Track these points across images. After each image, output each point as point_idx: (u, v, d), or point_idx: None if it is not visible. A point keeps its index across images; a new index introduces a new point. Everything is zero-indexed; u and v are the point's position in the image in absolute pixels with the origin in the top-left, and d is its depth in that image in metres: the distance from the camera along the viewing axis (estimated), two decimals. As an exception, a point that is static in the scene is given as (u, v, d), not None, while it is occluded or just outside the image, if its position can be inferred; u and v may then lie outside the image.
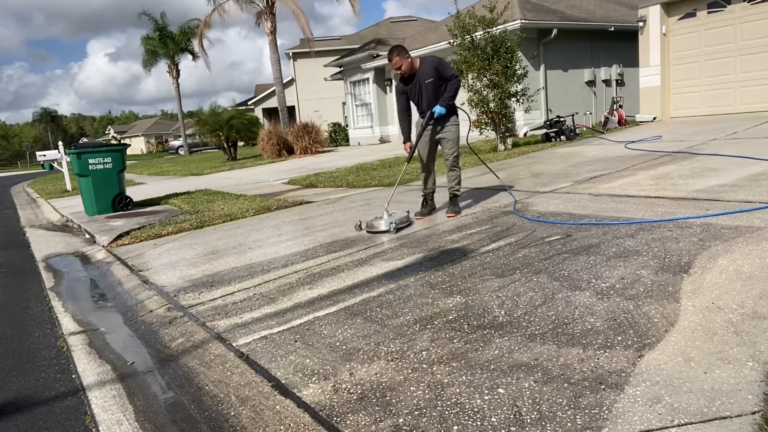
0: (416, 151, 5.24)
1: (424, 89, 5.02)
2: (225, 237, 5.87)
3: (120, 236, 6.61)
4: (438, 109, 4.96)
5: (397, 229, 4.82)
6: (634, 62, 12.82)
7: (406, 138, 5.25)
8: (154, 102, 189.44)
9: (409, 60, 4.98)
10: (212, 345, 3.04)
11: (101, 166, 8.81)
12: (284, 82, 22.17)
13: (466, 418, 1.95)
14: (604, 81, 15.76)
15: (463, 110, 5.62)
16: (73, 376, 3.00)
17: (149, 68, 37.97)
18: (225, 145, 23.59)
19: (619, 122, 12.49)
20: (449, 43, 11.43)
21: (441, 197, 5.78)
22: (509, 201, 5.50)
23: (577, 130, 11.78)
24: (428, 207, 5.45)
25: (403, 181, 8.22)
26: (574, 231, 4.10)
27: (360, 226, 5.07)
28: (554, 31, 14.05)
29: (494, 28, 10.60)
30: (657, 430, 1.75)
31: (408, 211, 5.23)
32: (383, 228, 4.84)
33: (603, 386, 2.02)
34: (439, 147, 5.32)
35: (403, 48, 5.03)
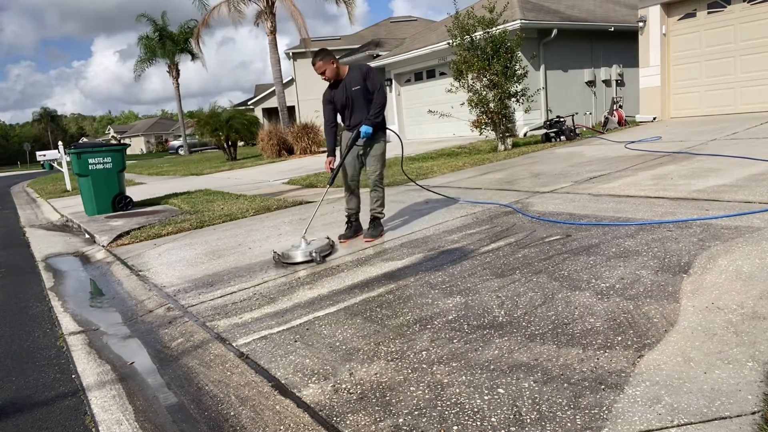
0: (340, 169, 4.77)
1: (351, 98, 4.59)
2: (225, 237, 5.87)
3: (120, 236, 6.61)
4: (364, 130, 4.50)
5: (322, 258, 4.34)
6: (634, 62, 12.82)
7: (330, 152, 4.75)
8: (158, 101, 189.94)
9: (335, 65, 4.56)
10: (212, 345, 3.04)
11: (101, 166, 8.81)
12: (284, 82, 22.16)
13: (466, 418, 1.96)
14: (604, 81, 15.75)
15: (392, 131, 5.05)
16: (73, 376, 3.00)
17: (141, 72, 38.04)
18: (225, 145, 23.59)
19: (619, 122, 12.49)
20: (449, 43, 11.43)
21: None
22: (509, 201, 5.49)
23: (577, 131, 11.78)
24: (352, 229, 4.94)
25: (403, 181, 8.22)
26: (574, 231, 4.10)
27: (276, 256, 4.49)
28: (554, 32, 14.05)
29: (494, 29, 10.60)
30: (657, 430, 1.75)
31: (328, 237, 4.71)
32: (300, 259, 4.33)
33: (603, 386, 2.02)
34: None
35: (327, 52, 4.62)
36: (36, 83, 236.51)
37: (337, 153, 4.77)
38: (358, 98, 4.58)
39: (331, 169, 4.71)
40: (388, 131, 4.84)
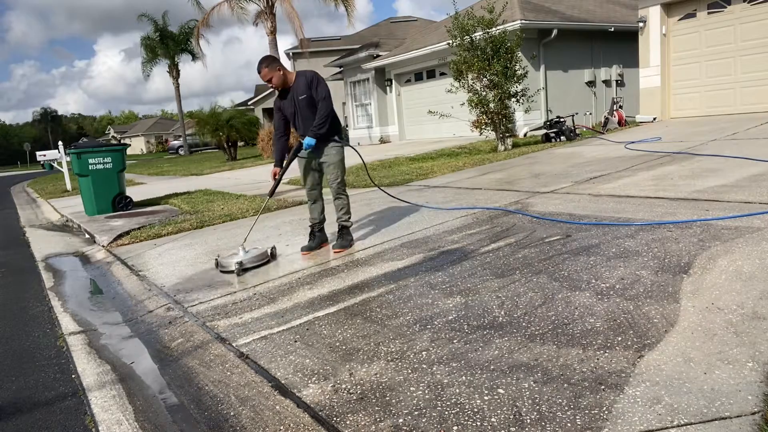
0: (281, 179, 4.59)
1: (299, 107, 4.42)
2: (225, 237, 5.87)
3: (120, 236, 6.61)
4: (307, 142, 4.31)
5: (243, 270, 4.24)
6: (634, 63, 12.82)
7: (277, 162, 4.57)
8: (160, 101, 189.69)
9: (281, 72, 4.35)
10: (212, 345, 3.04)
11: (101, 166, 8.81)
12: (284, 82, 22.14)
13: (466, 418, 1.96)
14: (604, 81, 15.75)
15: (351, 146, 4.79)
16: (73, 376, 3.00)
17: (149, 72, 38.26)
18: (225, 145, 23.62)
19: (619, 123, 12.48)
20: (448, 44, 11.44)
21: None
22: (509, 201, 5.50)
23: (577, 131, 11.78)
24: (317, 240, 4.74)
25: (403, 181, 8.22)
26: (574, 231, 4.10)
27: (217, 263, 4.48)
28: (554, 32, 14.05)
29: (494, 29, 10.61)
30: (657, 430, 1.75)
31: (273, 246, 4.57)
32: (233, 268, 4.28)
33: (603, 387, 2.02)
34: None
35: (273, 59, 4.42)
36: (39, 83, 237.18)
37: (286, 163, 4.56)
38: (304, 107, 4.40)
39: (276, 178, 4.54)
40: (339, 143, 4.55)
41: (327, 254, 4.56)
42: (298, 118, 4.47)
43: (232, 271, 4.29)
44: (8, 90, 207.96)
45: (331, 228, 4.86)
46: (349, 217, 4.68)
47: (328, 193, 4.59)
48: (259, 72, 4.35)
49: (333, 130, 4.48)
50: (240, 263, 4.28)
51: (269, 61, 4.37)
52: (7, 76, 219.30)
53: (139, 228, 6.97)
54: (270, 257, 4.54)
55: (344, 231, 4.68)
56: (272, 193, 4.63)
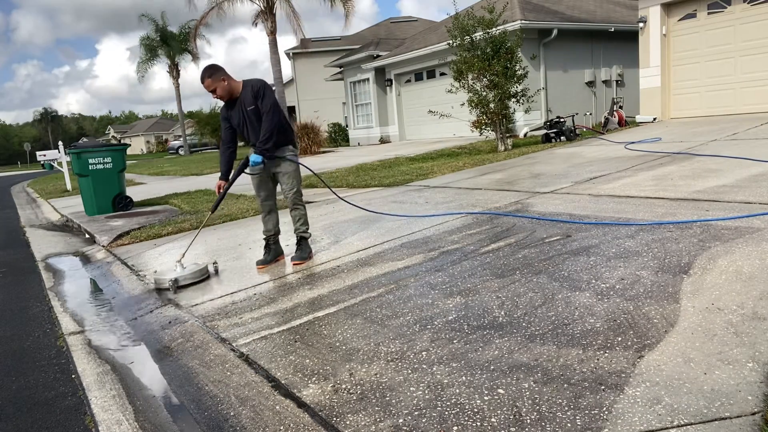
0: (229, 189, 4.38)
1: (246, 118, 4.18)
2: (225, 237, 5.87)
3: (120, 236, 6.61)
4: (253, 159, 4.10)
5: (179, 287, 4.07)
6: (634, 63, 12.83)
7: (222, 175, 4.36)
8: (163, 101, 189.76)
9: (225, 82, 4.10)
10: (212, 345, 3.04)
11: (101, 166, 8.81)
12: (284, 82, 22.17)
13: (466, 418, 1.96)
14: (604, 81, 15.76)
15: (292, 159, 4.36)
16: (73, 376, 3.01)
17: (144, 73, 38.48)
18: (225, 146, 23.60)
19: (619, 123, 12.48)
20: (449, 44, 11.44)
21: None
22: (508, 201, 5.50)
23: (577, 131, 11.78)
24: (272, 253, 4.53)
25: (403, 181, 8.22)
26: (574, 231, 4.10)
27: (156, 280, 4.31)
28: (554, 32, 14.06)
29: (494, 29, 10.62)
30: (657, 430, 1.75)
31: (216, 262, 4.41)
32: (167, 285, 4.12)
33: (603, 387, 2.02)
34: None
35: (216, 68, 4.13)
36: (43, 82, 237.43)
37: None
38: (252, 119, 4.17)
39: (221, 191, 4.35)
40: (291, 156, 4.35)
41: (283, 268, 4.46)
42: (246, 129, 4.25)
43: (166, 289, 4.13)
44: (12, 90, 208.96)
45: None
46: (307, 228, 4.48)
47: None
48: (203, 82, 4.10)
49: (286, 139, 4.28)
50: (181, 278, 4.14)
51: (212, 71, 4.11)
52: (10, 76, 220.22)
53: (139, 228, 6.97)
54: (210, 273, 4.37)
55: (303, 242, 4.47)
56: (215, 208, 4.36)
